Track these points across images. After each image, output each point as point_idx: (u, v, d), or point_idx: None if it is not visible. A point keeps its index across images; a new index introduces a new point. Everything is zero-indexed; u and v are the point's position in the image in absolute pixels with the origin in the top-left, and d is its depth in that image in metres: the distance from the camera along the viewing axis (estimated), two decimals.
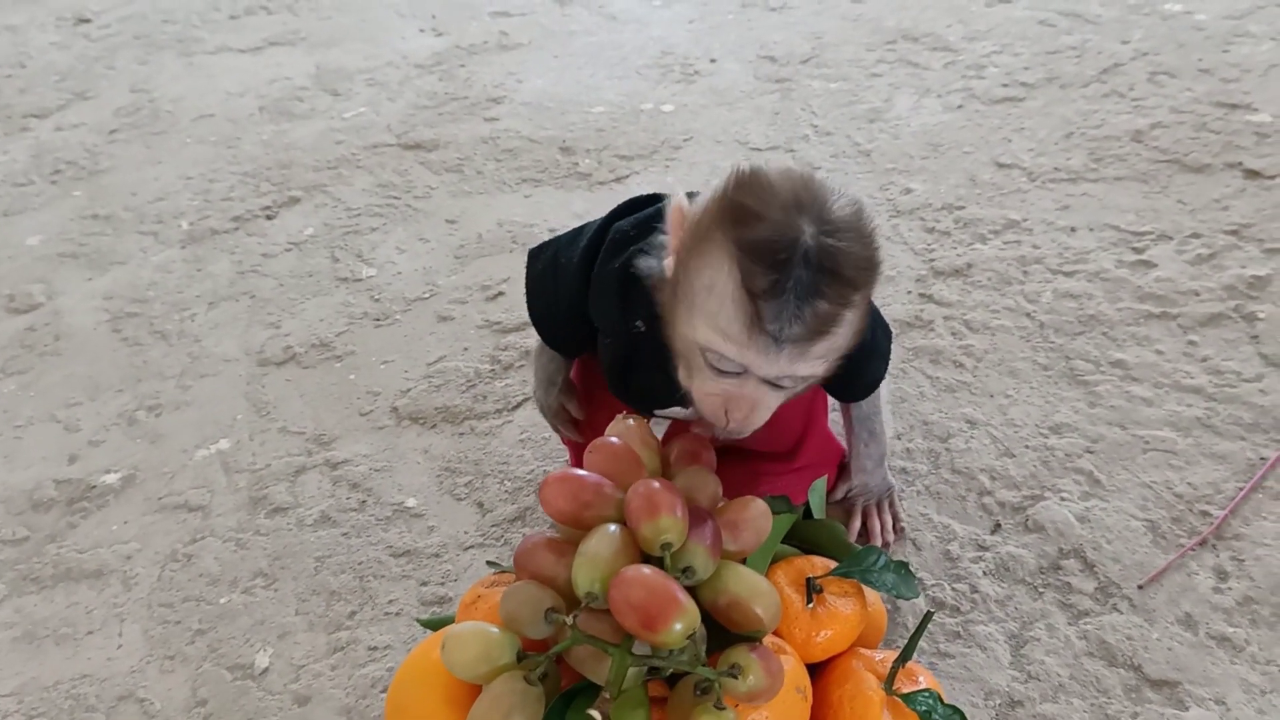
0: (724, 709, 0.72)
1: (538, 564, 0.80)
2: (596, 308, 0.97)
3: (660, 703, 0.80)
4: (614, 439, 0.86)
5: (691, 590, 0.78)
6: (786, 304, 0.72)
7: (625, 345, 0.97)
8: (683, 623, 0.70)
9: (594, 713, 0.70)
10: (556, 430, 1.20)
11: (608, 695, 0.71)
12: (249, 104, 2.37)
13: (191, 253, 1.87)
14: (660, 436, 0.99)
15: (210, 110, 2.36)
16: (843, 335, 0.78)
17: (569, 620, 0.74)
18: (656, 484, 0.77)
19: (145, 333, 1.68)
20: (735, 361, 0.77)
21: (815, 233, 0.73)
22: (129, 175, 2.14)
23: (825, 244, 0.73)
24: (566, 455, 1.33)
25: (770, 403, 0.82)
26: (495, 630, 0.77)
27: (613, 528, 0.77)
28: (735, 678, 0.73)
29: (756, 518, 0.83)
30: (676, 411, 1.03)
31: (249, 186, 2.04)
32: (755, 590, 0.78)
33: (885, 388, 1.12)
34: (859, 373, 1.02)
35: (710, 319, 0.76)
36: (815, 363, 0.78)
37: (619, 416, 0.93)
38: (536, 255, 1.07)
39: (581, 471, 0.82)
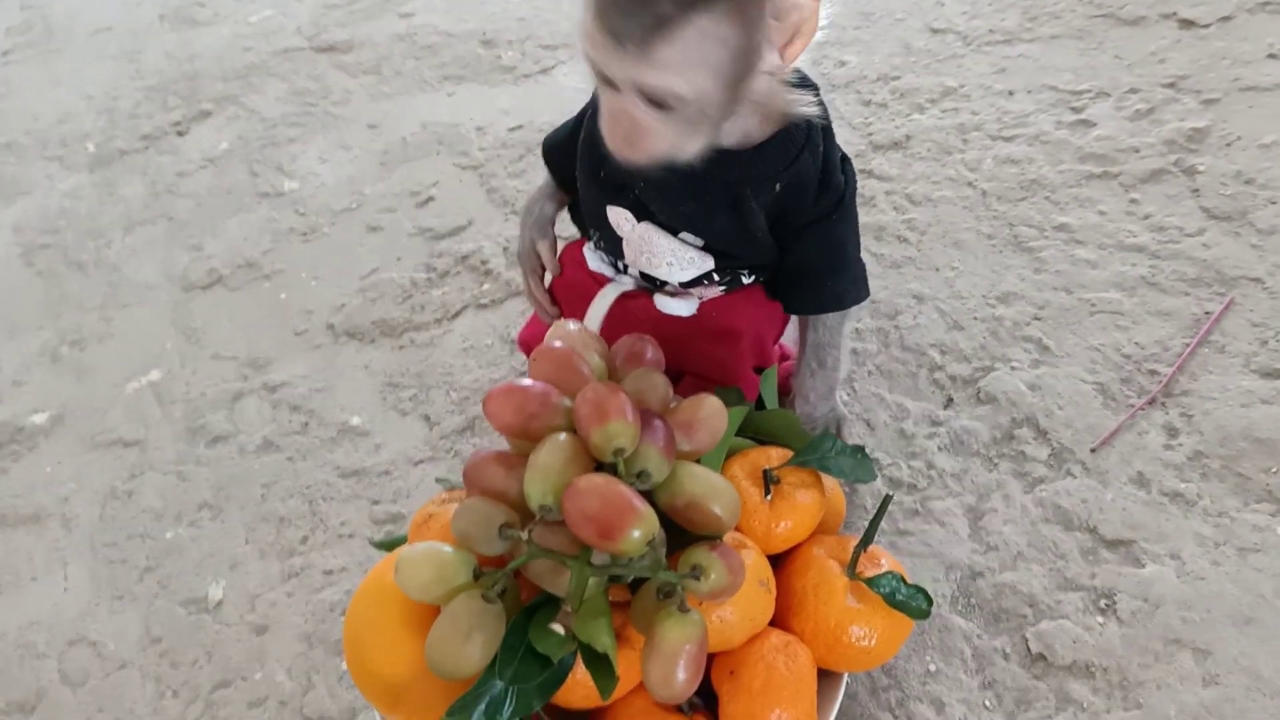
0: (688, 611, 0.71)
1: (488, 479, 0.78)
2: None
3: (622, 607, 0.79)
4: (557, 343, 0.83)
5: (647, 494, 0.76)
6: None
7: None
8: (640, 530, 0.68)
9: (556, 627, 0.68)
10: (526, 284, 1.14)
11: (569, 609, 0.69)
12: (148, 13, 2.24)
13: (101, 176, 1.78)
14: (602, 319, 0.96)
15: (107, 23, 2.23)
16: (699, 50, 0.72)
17: (524, 536, 0.72)
18: (605, 388, 0.74)
19: (60, 264, 1.61)
20: (596, 65, 0.75)
21: None
22: (27, 98, 2.03)
23: None
24: (509, 361, 1.30)
25: (655, 127, 0.78)
26: (449, 550, 0.74)
27: (562, 437, 0.74)
28: (697, 579, 0.71)
29: (710, 416, 0.81)
30: (624, 220, 0.98)
31: (155, 102, 1.94)
32: (713, 489, 0.76)
33: (850, 324, 1.05)
34: (817, 278, 0.97)
35: (582, 26, 0.74)
36: (667, 74, 0.73)
37: (559, 321, 0.89)
38: None
39: (526, 381, 0.79)
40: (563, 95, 1.76)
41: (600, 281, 1.05)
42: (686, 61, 0.72)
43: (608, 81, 0.77)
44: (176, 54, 2.07)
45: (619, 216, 0.97)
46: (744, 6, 0.72)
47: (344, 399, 1.32)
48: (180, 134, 1.84)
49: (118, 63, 2.08)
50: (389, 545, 0.98)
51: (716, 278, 0.98)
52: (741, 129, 0.87)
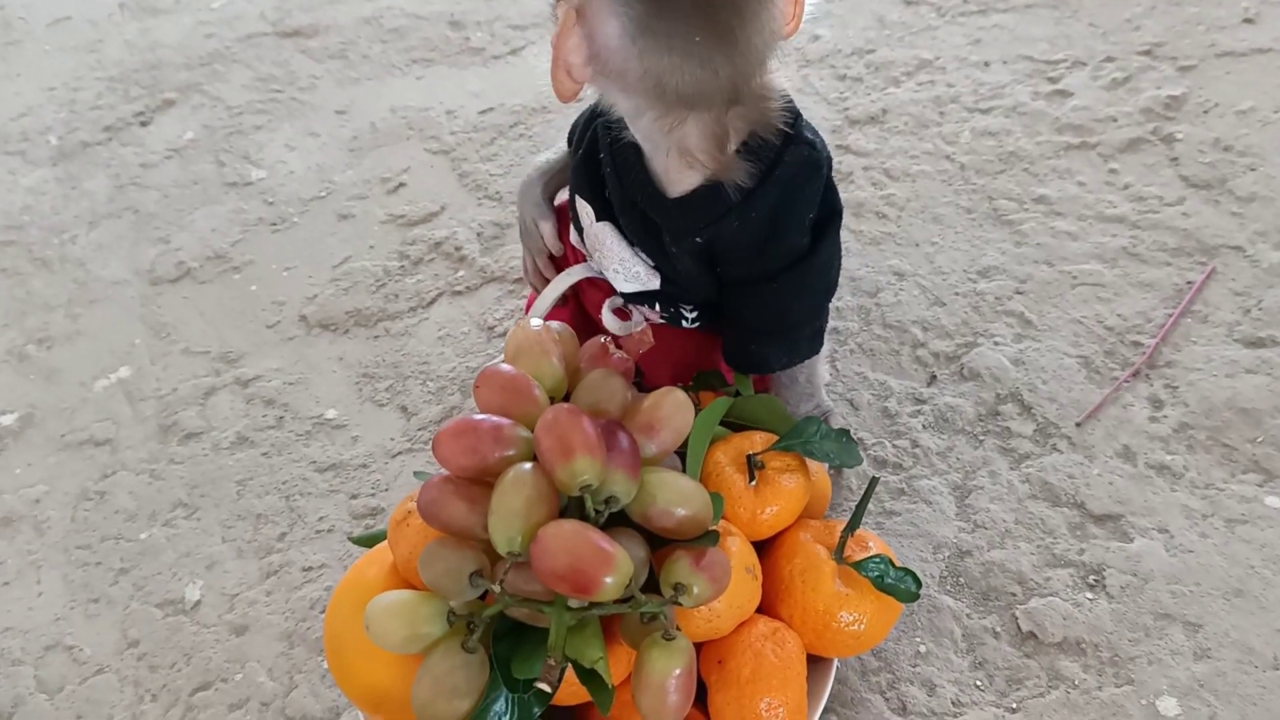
0: (673, 638, 0.69)
1: (450, 518, 0.73)
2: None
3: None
4: (504, 367, 0.80)
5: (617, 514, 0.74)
6: None
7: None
8: (615, 576, 0.65)
9: (543, 686, 0.66)
10: (526, 262, 1.10)
11: (551, 661, 0.67)
12: (107, 1, 2.19)
13: (64, 170, 1.74)
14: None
15: (65, 12, 2.18)
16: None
17: (496, 587, 0.70)
18: (565, 417, 0.71)
19: (24, 261, 1.57)
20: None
21: None
22: None
23: None
24: (485, 349, 1.28)
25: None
26: (420, 601, 0.71)
27: (524, 469, 0.71)
28: (679, 601, 0.70)
29: (673, 414, 0.78)
30: (586, 213, 0.94)
31: (118, 93, 1.89)
32: (682, 495, 0.73)
33: (825, 348, 1.00)
34: (745, 336, 0.94)
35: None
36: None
37: (519, 321, 0.87)
38: None
39: (479, 416, 0.76)
40: (534, 76, 1.73)
41: (579, 256, 1.03)
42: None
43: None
44: (137, 43, 2.03)
45: (584, 209, 0.94)
46: None
47: (319, 392, 1.29)
48: (144, 124, 1.81)
49: (78, 53, 2.03)
50: (368, 541, 0.96)
51: (659, 306, 0.97)
52: (660, 168, 0.83)
